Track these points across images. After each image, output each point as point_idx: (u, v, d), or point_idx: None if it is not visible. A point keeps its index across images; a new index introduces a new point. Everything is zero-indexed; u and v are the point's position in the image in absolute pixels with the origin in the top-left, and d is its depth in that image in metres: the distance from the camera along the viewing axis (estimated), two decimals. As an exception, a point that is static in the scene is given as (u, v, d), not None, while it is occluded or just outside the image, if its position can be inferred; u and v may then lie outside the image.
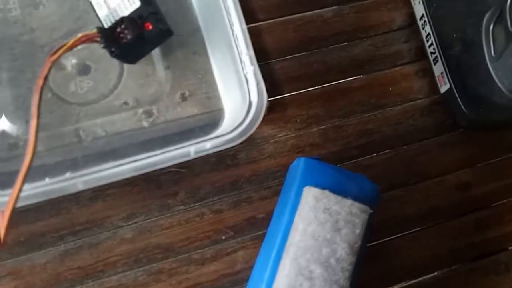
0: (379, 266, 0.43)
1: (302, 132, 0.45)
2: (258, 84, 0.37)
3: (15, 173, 0.36)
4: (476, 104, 0.43)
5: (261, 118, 0.37)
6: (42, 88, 0.33)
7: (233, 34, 0.37)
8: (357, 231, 0.36)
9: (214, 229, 0.42)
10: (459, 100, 0.44)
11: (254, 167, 0.43)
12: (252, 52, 0.37)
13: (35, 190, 0.33)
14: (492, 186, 0.46)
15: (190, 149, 0.35)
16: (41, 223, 0.40)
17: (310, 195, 0.36)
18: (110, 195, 0.41)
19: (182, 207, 0.42)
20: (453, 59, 0.44)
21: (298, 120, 0.45)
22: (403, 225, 0.44)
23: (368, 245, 0.38)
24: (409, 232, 0.44)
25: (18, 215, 0.39)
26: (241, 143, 0.39)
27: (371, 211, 0.37)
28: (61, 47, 0.35)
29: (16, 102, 0.40)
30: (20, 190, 0.32)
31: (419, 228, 0.44)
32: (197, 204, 0.42)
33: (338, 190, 0.37)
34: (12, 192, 0.31)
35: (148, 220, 0.41)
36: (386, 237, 0.43)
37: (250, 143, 0.44)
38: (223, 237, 0.42)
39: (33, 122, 0.32)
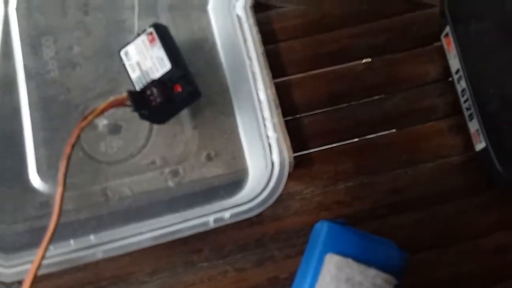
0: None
1: (328, 189, 0.40)
2: (281, 153, 0.33)
3: (44, 229, 0.34)
4: (514, 166, 0.38)
5: (280, 189, 0.32)
6: (69, 155, 0.31)
7: (258, 99, 0.34)
8: (382, 304, 0.31)
9: None
10: (495, 160, 0.38)
11: (279, 224, 0.39)
12: (276, 119, 0.33)
13: (57, 259, 0.31)
14: (533, 252, 0.39)
15: (209, 219, 0.32)
16: (68, 276, 0.37)
17: (332, 263, 0.32)
18: (136, 249, 0.37)
19: (206, 264, 0.38)
20: (490, 117, 0.38)
21: (325, 177, 0.40)
22: None
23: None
24: (438, 301, 0.38)
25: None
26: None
27: (397, 282, 0.31)
28: (91, 112, 0.32)
29: (49, 161, 0.37)
30: (41, 260, 0.29)
31: (450, 297, 0.38)
32: (220, 261, 0.38)
33: (362, 257, 0.32)
34: (33, 264, 0.29)
35: (172, 277, 0.38)
36: (412, 306, 0.38)
37: (275, 199, 0.39)
38: None
39: (59, 191, 0.30)
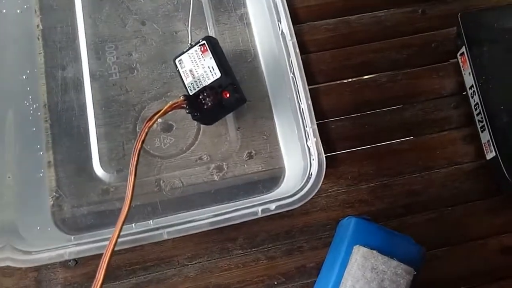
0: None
1: (352, 188, 0.44)
2: (319, 155, 0.37)
3: (105, 213, 0.40)
4: (521, 175, 0.42)
5: (319, 186, 0.37)
6: (140, 150, 0.35)
7: (299, 108, 0.38)
8: (401, 291, 0.36)
9: (268, 274, 0.42)
10: (504, 169, 0.42)
11: (306, 218, 0.43)
12: (315, 126, 0.38)
13: (127, 238, 0.36)
14: (535, 253, 0.43)
15: (258, 209, 0.36)
16: (117, 257, 0.41)
17: (359, 254, 0.36)
18: (196, 232, 0.40)
19: (240, 251, 0.42)
20: (500, 130, 0.43)
21: (349, 177, 0.44)
22: (442, 286, 0.42)
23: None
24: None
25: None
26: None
27: (415, 273, 0.36)
28: (156, 113, 0.37)
29: (110, 154, 0.42)
30: (116, 241, 0.33)
31: (458, 288, 0.42)
32: (253, 249, 0.42)
33: (386, 250, 0.37)
34: (109, 244, 0.33)
35: (210, 261, 0.42)
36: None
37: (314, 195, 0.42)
38: (275, 282, 0.42)
39: (131, 180, 0.34)
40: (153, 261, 0.42)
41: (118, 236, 0.33)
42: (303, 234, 0.43)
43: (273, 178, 0.42)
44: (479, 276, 0.42)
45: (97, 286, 0.33)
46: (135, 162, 0.35)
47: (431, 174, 0.45)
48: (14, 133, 0.41)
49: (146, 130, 0.36)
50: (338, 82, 0.47)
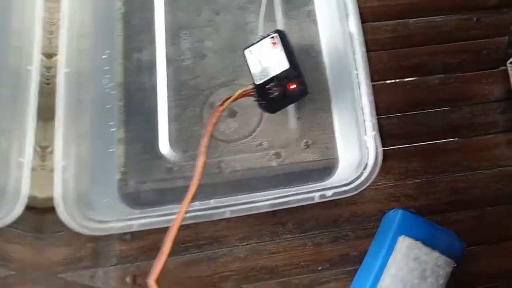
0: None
1: (399, 183, 0.46)
2: (376, 148, 0.39)
3: (167, 190, 0.43)
4: None
5: (374, 176, 0.39)
6: (211, 133, 0.38)
7: (361, 103, 0.40)
8: (441, 281, 0.38)
9: (313, 260, 0.44)
10: None
11: (354, 208, 0.46)
12: (375, 120, 0.40)
13: (192, 214, 0.38)
14: None
15: (315, 195, 0.39)
16: None
17: (404, 244, 0.39)
18: (256, 212, 0.42)
19: (289, 235, 0.44)
20: None
21: (397, 172, 0.47)
22: (476, 282, 0.44)
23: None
24: None
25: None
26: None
27: (455, 265, 0.39)
28: (227, 99, 0.40)
29: (178, 135, 0.45)
30: (183, 214, 0.36)
31: (492, 285, 0.44)
32: (301, 235, 0.45)
33: (428, 242, 0.39)
34: (176, 217, 0.36)
35: (259, 244, 0.44)
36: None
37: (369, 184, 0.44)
38: (319, 268, 0.44)
39: (201, 159, 0.37)
40: (206, 239, 0.44)
41: (185, 211, 0.36)
42: (349, 223, 0.45)
43: (327, 168, 0.45)
44: (512, 276, 0.44)
45: (161, 258, 0.35)
46: (205, 144, 0.38)
47: (475, 174, 0.47)
48: (90, 109, 0.43)
49: (217, 114, 0.39)
50: (392, 81, 0.49)
